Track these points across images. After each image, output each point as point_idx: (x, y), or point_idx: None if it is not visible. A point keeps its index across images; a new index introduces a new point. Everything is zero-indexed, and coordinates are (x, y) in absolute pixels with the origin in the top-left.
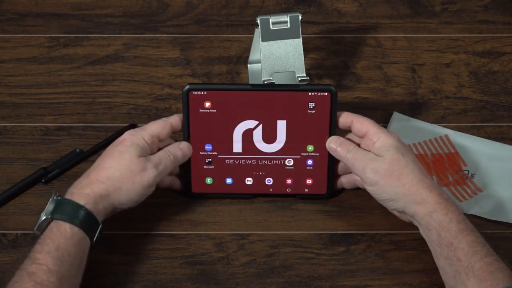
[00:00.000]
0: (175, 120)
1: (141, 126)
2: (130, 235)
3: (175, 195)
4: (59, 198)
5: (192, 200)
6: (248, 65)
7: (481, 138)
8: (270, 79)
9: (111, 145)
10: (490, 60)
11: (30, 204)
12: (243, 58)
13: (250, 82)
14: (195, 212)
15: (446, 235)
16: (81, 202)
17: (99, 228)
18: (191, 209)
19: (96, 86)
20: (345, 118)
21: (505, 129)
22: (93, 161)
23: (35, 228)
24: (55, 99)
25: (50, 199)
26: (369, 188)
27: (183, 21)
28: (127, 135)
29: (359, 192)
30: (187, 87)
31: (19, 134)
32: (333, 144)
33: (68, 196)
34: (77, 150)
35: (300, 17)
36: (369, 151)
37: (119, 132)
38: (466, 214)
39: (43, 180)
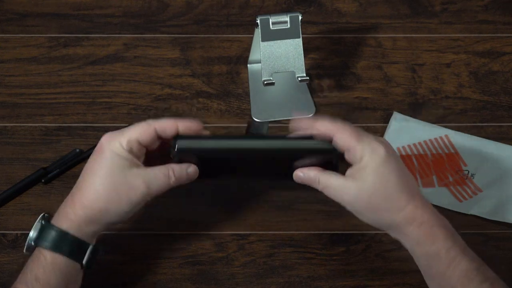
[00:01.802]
0: (161, 125)
1: None
2: (130, 235)
3: (175, 195)
4: (43, 222)
5: (192, 200)
6: (248, 65)
7: (481, 138)
8: (270, 79)
9: (91, 156)
10: (490, 60)
11: (30, 204)
12: (243, 58)
13: (250, 82)
14: (195, 212)
15: (437, 265)
16: (65, 227)
17: (89, 250)
18: (191, 209)
19: (96, 86)
20: (324, 129)
21: (505, 129)
22: None
23: (24, 250)
24: (55, 99)
25: (37, 221)
26: (346, 207)
27: (183, 21)
28: (104, 140)
29: None
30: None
31: (19, 134)
32: (299, 171)
33: (54, 219)
34: (77, 150)
35: (300, 17)
36: (346, 172)
37: None
38: (466, 214)
39: (43, 180)
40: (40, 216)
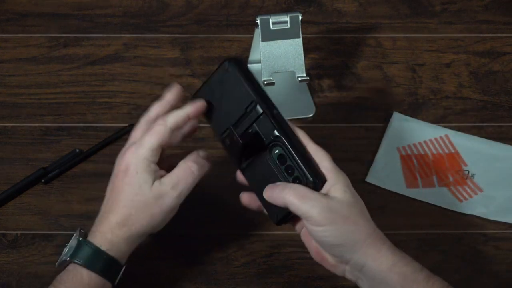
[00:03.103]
0: (175, 122)
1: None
2: None
3: None
4: (81, 239)
5: (192, 201)
6: (248, 65)
7: (481, 138)
8: (270, 79)
9: (116, 175)
10: (490, 60)
11: (30, 204)
12: (243, 58)
13: None
14: (195, 212)
15: (413, 287)
16: (103, 247)
17: (122, 270)
18: (190, 209)
19: (96, 86)
20: (300, 138)
21: (505, 129)
22: (93, 162)
23: (56, 264)
24: (55, 99)
25: (74, 236)
26: (314, 228)
27: (183, 21)
28: (128, 158)
29: (359, 192)
30: None
31: (19, 134)
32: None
33: (91, 237)
34: (77, 150)
35: (300, 17)
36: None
37: (119, 132)
38: (466, 214)
39: (43, 180)
40: (77, 231)
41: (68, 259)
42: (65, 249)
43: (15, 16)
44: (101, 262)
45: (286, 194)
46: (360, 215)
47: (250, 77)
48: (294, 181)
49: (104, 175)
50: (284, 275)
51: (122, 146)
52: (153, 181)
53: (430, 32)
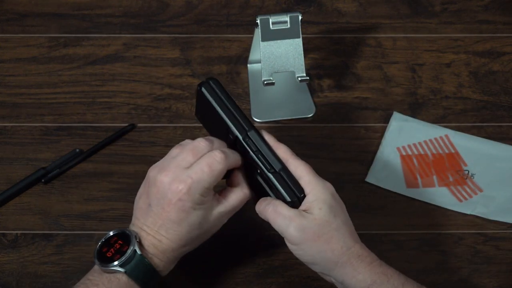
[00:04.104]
0: (232, 161)
1: (142, 125)
2: None
3: None
4: (141, 255)
5: None
6: (248, 65)
7: (481, 138)
8: (270, 79)
9: (165, 203)
10: (490, 60)
11: (30, 204)
12: (243, 58)
13: (250, 82)
14: None
15: None
16: (158, 268)
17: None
18: None
19: (96, 86)
20: (281, 154)
21: (505, 129)
22: (93, 162)
23: (105, 268)
24: (55, 99)
25: (131, 245)
26: (291, 246)
27: (183, 21)
28: (183, 195)
29: (359, 192)
30: None
31: (19, 134)
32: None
33: (150, 255)
34: (77, 150)
35: (300, 17)
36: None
37: (119, 132)
38: (466, 214)
39: (43, 180)
40: (133, 240)
41: (124, 271)
42: (122, 257)
43: (15, 16)
44: (150, 278)
45: (266, 211)
46: (335, 232)
47: (222, 99)
48: (278, 197)
49: (104, 175)
50: (284, 275)
51: (122, 146)
52: (210, 213)
53: (430, 32)
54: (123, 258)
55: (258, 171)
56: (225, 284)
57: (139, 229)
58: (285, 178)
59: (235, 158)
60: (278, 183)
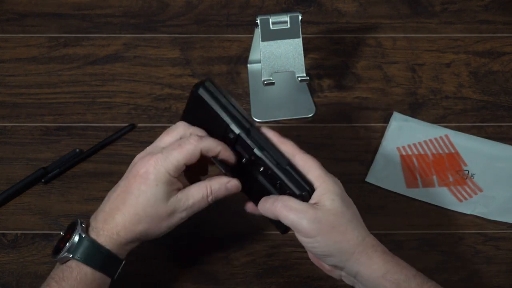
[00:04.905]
0: (206, 146)
1: (142, 125)
2: None
3: None
4: (84, 236)
5: None
6: (248, 65)
7: (481, 138)
8: (270, 79)
9: (133, 176)
10: (490, 60)
11: (30, 204)
12: (243, 58)
13: (250, 82)
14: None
15: None
16: (108, 246)
17: (122, 265)
18: None
19: (96, 86)
20: (288, 149)
21: (505, 129)
22: (93, 162)
23: (56, 258)
24: (55, 99)
25: (76, 231)
26: (304, 240)
27: (183, 21)
28: (150, 166)
29: (359, 192)
30: None
31: (19, 134)
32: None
33: (94, 234)
34: (77, 150)
35: (300, 17)
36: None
37: (119, 132)
38: (466, 214)
39: (43, 180)
40: (78, 225)
41: (71, 256)
42: (67, 244)
43: (15, 16)
44: (103, 259)
45: (275, 207)
46: (349, 223)
47: (220, 98)
48: (283, 194)
49: (104, 175)
50: (284, 275)
51: (122, 146)
52: (170, 197)
53: (430, 32)
54: (68, 244)
55: (261, 169)
56: (225, 284)
57: (97, 212)
58: (293, 173)
59: (210, 144)
60: (287, 177)
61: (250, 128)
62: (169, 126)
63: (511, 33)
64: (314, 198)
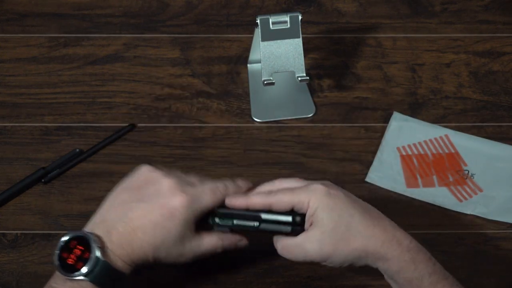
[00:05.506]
0: (234, 188)
1: (142, 125)
2: None
3: None
4: (102, 259)
5: None
6: (248, 65)
7: (481, 138)
8: (270, 79)
9: (155, 206)
10: (490, 60)
11: (30, 204)
12: (243, 58)
13: (250, 82)
14: None
15: None
16: (123, 270)
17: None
18: None
19: (96, 86)
20: (257, 201)
21: (505, 129)
22: (93, 162)
23: (69, 277)
24: (55, 99)
25: (92, 253)
26: (323, 263)
27: (183, 21)
28: (180, 206)
29: (359, 192)
30: None
31: (19, 134)
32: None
33: (110, 258)
34: (77, 150)
35: (300, 17)
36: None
37: (119, 132)
38: (466, 214)
39: (43, 180)
40: (93, 244)
41: (87, 279)
42: (85, 268)
43: (15, 16)
44: (114, 282)
45: (280, 251)
46: (347, 232)
47: None
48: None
49: (104, 175)
50: (284, 275)
51: (122, 146)
52: (186, 238)
53: (430, 32)
54: (87, 268)
55: (254, 226)
56: (225, 284)
57: (108, 227)
58: (272, 219)
59: (234, 190)
60: (270, 227)
61: (217, 212)
62: (169, 126)
63: (511, 33)
64: (308, 220)
